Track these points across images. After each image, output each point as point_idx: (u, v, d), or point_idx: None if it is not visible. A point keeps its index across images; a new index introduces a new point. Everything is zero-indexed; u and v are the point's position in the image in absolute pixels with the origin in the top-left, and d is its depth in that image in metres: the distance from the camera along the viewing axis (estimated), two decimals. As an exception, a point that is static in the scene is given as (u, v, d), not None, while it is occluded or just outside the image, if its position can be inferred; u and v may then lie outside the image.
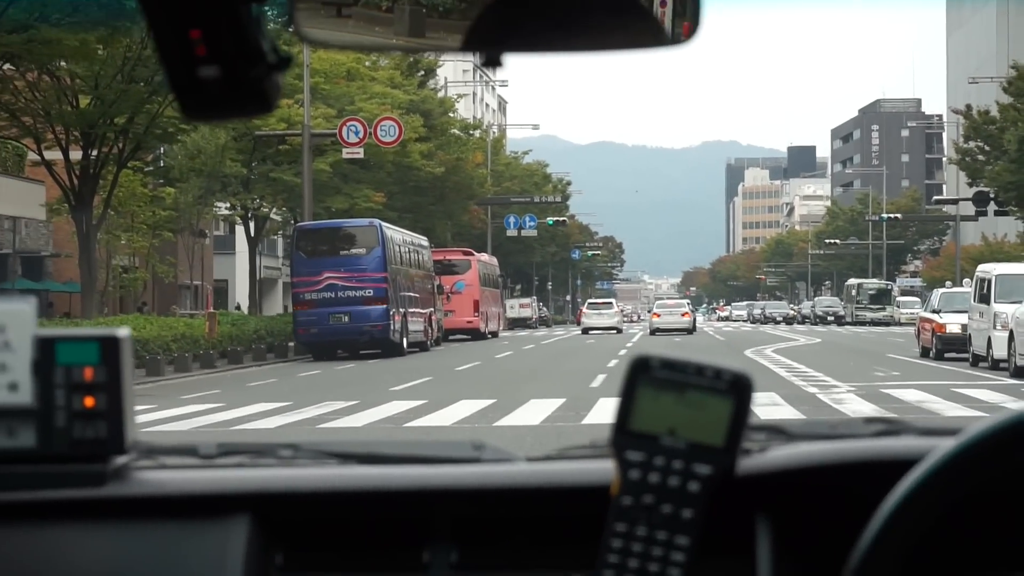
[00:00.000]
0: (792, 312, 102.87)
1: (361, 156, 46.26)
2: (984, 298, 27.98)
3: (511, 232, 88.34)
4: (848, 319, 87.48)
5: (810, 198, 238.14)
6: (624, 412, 1.69)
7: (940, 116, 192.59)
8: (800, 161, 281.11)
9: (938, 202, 79.91)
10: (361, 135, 45.21)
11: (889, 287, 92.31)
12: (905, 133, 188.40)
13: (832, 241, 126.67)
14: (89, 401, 1.80)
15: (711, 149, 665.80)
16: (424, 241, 49.37)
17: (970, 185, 69.88)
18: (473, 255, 61.52)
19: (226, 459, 2.02)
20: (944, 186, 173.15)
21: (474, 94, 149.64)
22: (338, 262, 40.10)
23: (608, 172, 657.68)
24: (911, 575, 1.60)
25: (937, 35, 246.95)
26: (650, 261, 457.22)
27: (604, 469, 1.75)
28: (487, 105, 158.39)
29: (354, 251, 40.45)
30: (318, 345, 40.02)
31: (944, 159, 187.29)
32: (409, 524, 1.90)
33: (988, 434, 1.49)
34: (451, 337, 58.07)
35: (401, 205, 64.80)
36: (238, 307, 66.33)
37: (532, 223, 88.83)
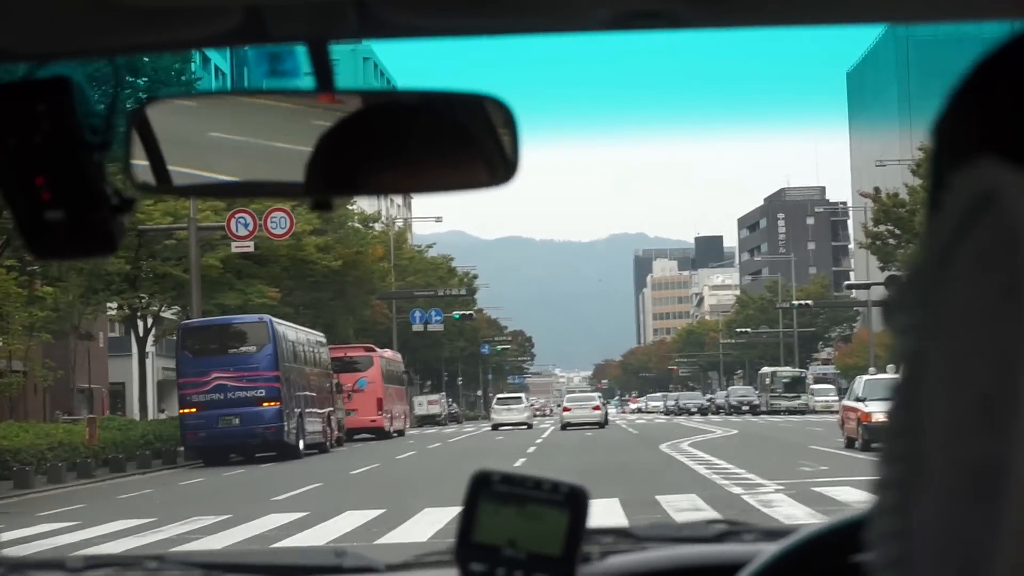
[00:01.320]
0: (706, 403, 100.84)
1: (252, 250, 44.01)
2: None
3: (417, 327, 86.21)
4: (763, 408, 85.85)
5: (719, 288, 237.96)
6: (467, 525, 1.76)
7: (845, 203, 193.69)
8: (707, 251, 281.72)
9: (849, 287, 78.66)
10: (251, 228, 42.97)
11: (803, 375, 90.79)
12: (811, 221, 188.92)
13: (743, 330, 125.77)
14: None
15: (618, 241, 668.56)
16: (320, 337, 47.04)
17: (881, 269, 68.73)
18: (375, 351, 59.26)
19: (93, 572, 2.00)
20: (852, 272, 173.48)
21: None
22: (227, 361, 37.78)
23: (517, 266, 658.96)
24: None
25: (839, 125, 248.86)
26: (561, 354, 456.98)
27: None
28: (391, 200, 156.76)
29: (243, 349, 38.14)
30: (208, 450, 37.63)
31: (851, 246, 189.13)
32: None
33: (813, 537, 1.54)
34: (356, 437, 55.88)
35: (299, 301, 62.55)
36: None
37: (438, 317, 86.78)
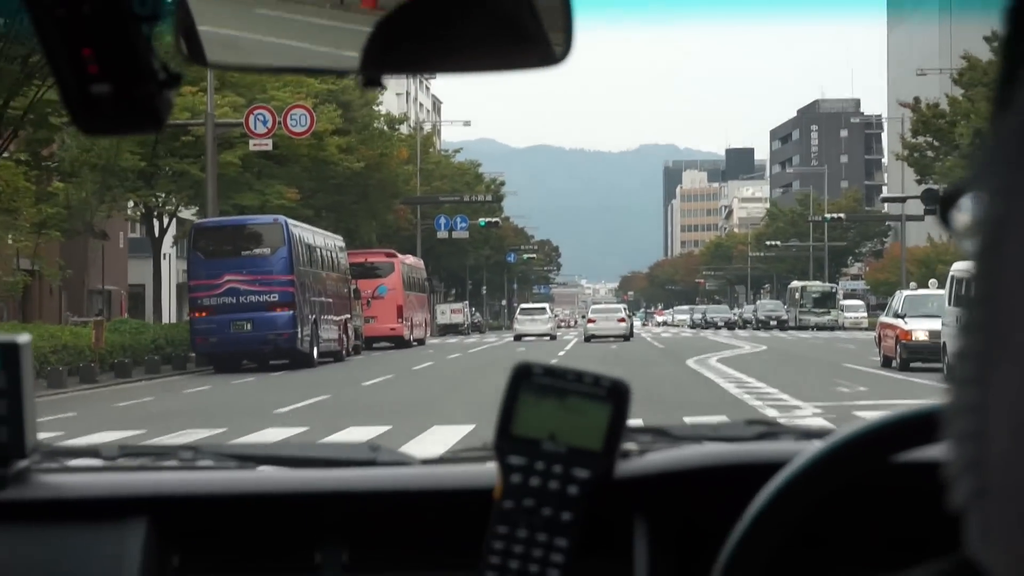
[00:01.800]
0: (733, 317, 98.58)
1: (269, 148, 42.50)
2: (963, 301, 24.45)
3: (442, 234, 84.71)
4: (791, 323, 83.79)
5: (748, 200, 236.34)
6: (506, 417, 1.74)
7: (880, 115, 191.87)
8: (738, 163, 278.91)
9: (884, 200, 76.49)
10: (270, 125, 41.43)
11: (833, 290, 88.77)
12: (844, 134, 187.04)
13: (772, 243, 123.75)
14: None
15: (649, 152, 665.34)
16: (339, 241, 45.55)
17: (918, 182, 66.87)
18: (396, 257, 57.78)
19: (127, 461, 2.05)
20: (884, 187, 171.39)
21: (408, 93, 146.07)
22: (240, 263, 36.39)
23: (545, 176, 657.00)
24: (783, 572, 1.69)
25: (876, 34, 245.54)
26: (588, 265, 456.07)
27: (492, 472, 1.77)
28: (420, 104, 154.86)
29: (257, 251, 36.71)
30: (218, 356, 36.36)
31: (884, 160, 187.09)
32: (303, 526, 1.94)
33: (852, 437, 1.54)
34: (375, 345, 54.57)
35: (321, 204, 61.16)
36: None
37: (464, 224, 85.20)
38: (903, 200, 72.96)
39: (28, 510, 1.90)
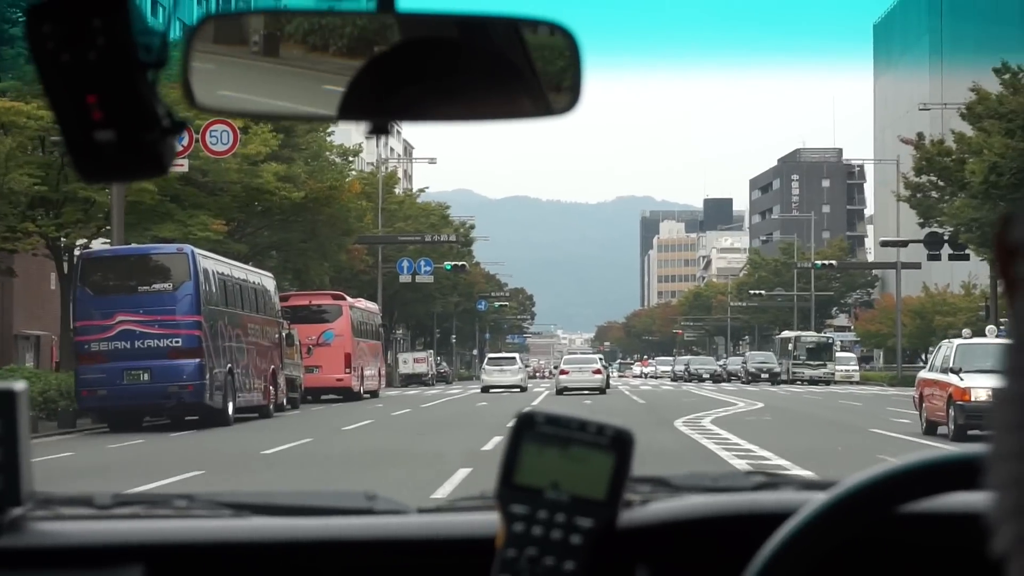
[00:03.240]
0: (718, 369, 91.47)
1: (185, 169, 36.46)
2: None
3: (404, 278, 78.80)
4: (783, 377, 77.71)
5: (727, 251, 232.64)
6: (509, 466, 1.75)
7: (862, 166, 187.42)
8: (717, 214, 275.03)
9: (884, 244, 70.55)
10: (185, 142, 35.36)
11: (830, 340, 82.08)
12: (826, 184, 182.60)
13: (757, 292, 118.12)
14: None
15: (625, 204, 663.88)
16: (267, 278, 39.32)
17: (921, 225, 61.01)
18: (345, 300, 51.62)
19: (121, 509, 2.05)
20: (867, 239, 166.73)
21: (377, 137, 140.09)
22: (136, 301, 30.20)
23: (522, 227, 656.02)
24: None
25: (860, 82, 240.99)
26: (564, 316, 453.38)
27: (492, 521, 1.78)
28: (391, 149, 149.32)
29: (158, 287, 30.51)
30: (109, 412, 30.21)
31: (867, 210, 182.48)
32: (301, 575, 1.93)
33: (859, 488, 1.54)
34: (323, 397, 48.80)
35: (265, 242, 55.15)
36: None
37: (428, 268, 79.31)
38: (903, 244, 67.09)
39: (24, 558, 1.88)
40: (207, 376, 30.16)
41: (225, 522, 2.00)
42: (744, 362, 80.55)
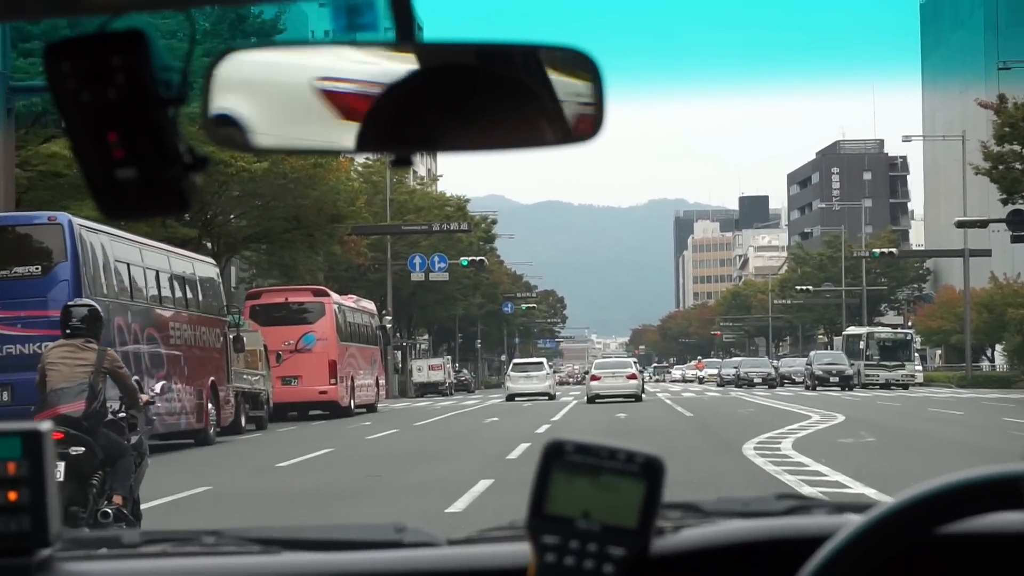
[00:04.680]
0: (771, 372, 77.36)
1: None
2: None
3: (416, 275, 70.63)
4: (856, 381, 66.43)
5: (765, 249, 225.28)
6: (539, 496, 1.73)
7: (904, 157, 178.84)
8: (752, 212, 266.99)
9: (960, 224, 61.78)
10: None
11: (909, 337, 71.72)
12: (868, 176, 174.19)
13: (804, 288, 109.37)
14: (12, 495, 1.81)
15: (658, 207, 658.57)
16: (203, 264, 30.88)
17: (1004, 202, 52.32)
18: (328, 296, 43.20)
19: (150, 547, 2.04)
20: (910, 232, 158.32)
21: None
22: (-7, 291, 22.00)
23: (554, 231, 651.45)
24: None
25: (902, 68, 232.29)
26: (598, 320, 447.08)
27: (523, 552, 1.76)
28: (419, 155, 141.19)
29: (20, 271, 22.24)
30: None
31: (910, 204, 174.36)
32: None
33: (896, 510, 1.54)
34: (310, 413, 41.24)
35: (241, 232, 47.02)
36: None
37: (443, 264, 71.00)
38: (983, 225, 58.27)
39: None
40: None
41: (254, 559, 1.98)
42: (808, 363, 68.99)
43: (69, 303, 11.61)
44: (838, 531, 1.57)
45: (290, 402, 40.68)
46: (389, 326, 72.24)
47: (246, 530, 2.10)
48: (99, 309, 11.24)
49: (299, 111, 1.61)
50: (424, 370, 77.15)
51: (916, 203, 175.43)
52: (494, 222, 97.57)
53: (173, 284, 27.41)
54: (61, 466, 9.77)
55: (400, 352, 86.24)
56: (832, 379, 63.40)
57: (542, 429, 28.94)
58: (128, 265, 24.72)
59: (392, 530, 2.06)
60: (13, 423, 1.86)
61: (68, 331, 10.67)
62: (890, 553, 1.54)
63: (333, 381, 41.20)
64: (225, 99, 1.60)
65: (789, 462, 18.71)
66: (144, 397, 11.26)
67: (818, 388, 63.02)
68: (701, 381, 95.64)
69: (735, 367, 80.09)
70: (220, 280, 31.30)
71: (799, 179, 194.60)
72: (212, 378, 28.57)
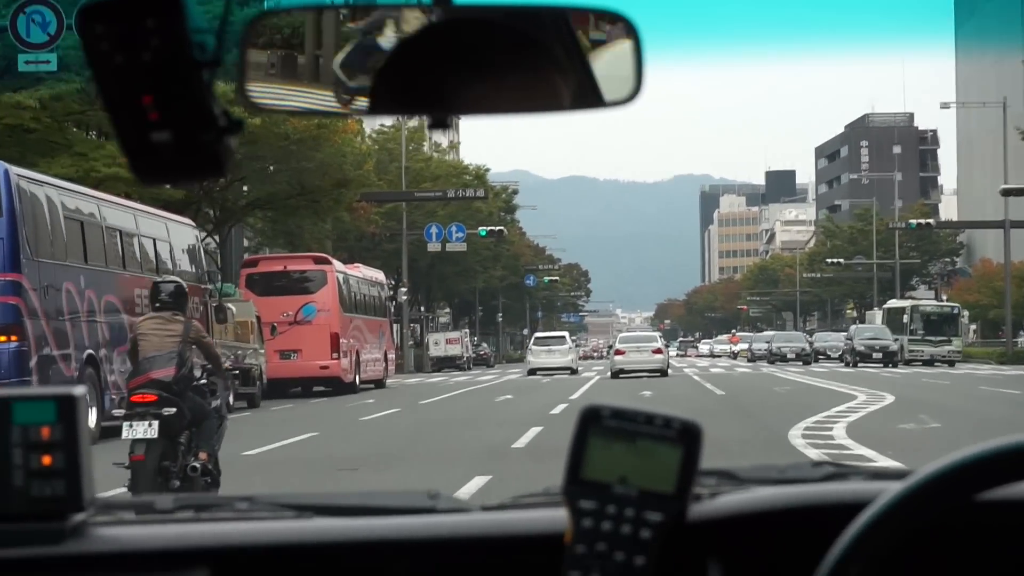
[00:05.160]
0: (807, 347, 71.99)
1: (52, 67, 25.11)
2: None
3: (433, 246, 67.77)
4: (900, 357, 61.99)
5: (792, 223, 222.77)
6: (576, 461, 1.73)
7: (935, 131, 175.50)
8: (779, 186, 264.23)
9: (1006, 192, 58.25)
10: (54, 30, 24.19)
11: (956, 311, 66.97)
12: (897, 150, 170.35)
13: (835, 261, 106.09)
14: (47, 460, 1.82)
15: (684, 182, 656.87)
16: (177, 224, 27.83)
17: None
18: (330, 263, 40.15)
19: (183, 513, 2.05)
20: (939, 206, 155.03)
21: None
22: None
23: (579, 206, 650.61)
24: None
25: (934, 39, 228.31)
26: (623, 295, 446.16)
27: (558, 518, 1.76)
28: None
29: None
30: None
31: (940, 178, 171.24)
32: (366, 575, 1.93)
33: (936, 476, 1.54)
34: (314, 390, 38.62)
35: (249, 199, 44.26)
36: None
37: (461, 234, 68.03)
38: (1028, 192, 54.90)
39: (88, 564, 1.88)
40: (32, 370, 18.95)
41: (288, 523, 1.97)
42: (849, 338, 64.59)
43: (157, 280, 12.11)
44: (877, 497, 1.57)
45: (289, 377, 37.80)
46: (405, 298, 69.54)
47: (279, 496, 2.07)
48: (184, 285, 11.91)
49: (333, 73, 1.60)
50: (441, 344, 74.24)
51: (945, 177, 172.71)
52: (515, 192, 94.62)
53: (141, 246, 24.43)
54: (156, 424, 10.67)
55: (419, 325, 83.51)
56: (875, 355, 59.30)
57: (558, 409, 25.92)
58: (82, 223, 21.72)
59: (426, 497, 2.05)
60: (47, 388, 1.83)
61: (158, 304, 11.44)
62: (929, 519, 1.54)
63: (335, 355, 38.21)
64: (258, 62, 1.59)
65: (850, 455, 15.61)
66: (226, 364, 12.00)
67: (859, 364, 58.97)
68: (735, 356, 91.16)
69: (767, 342, 75.31)
70: (200, 244, 28.34)
71: (827, 152, 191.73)
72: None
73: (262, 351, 33.55)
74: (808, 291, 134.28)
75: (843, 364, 62.22)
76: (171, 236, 26.20)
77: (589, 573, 1.71)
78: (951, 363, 60.96)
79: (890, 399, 28.56)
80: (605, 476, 1.72)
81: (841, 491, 1.90)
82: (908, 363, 60.02)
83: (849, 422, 21.46)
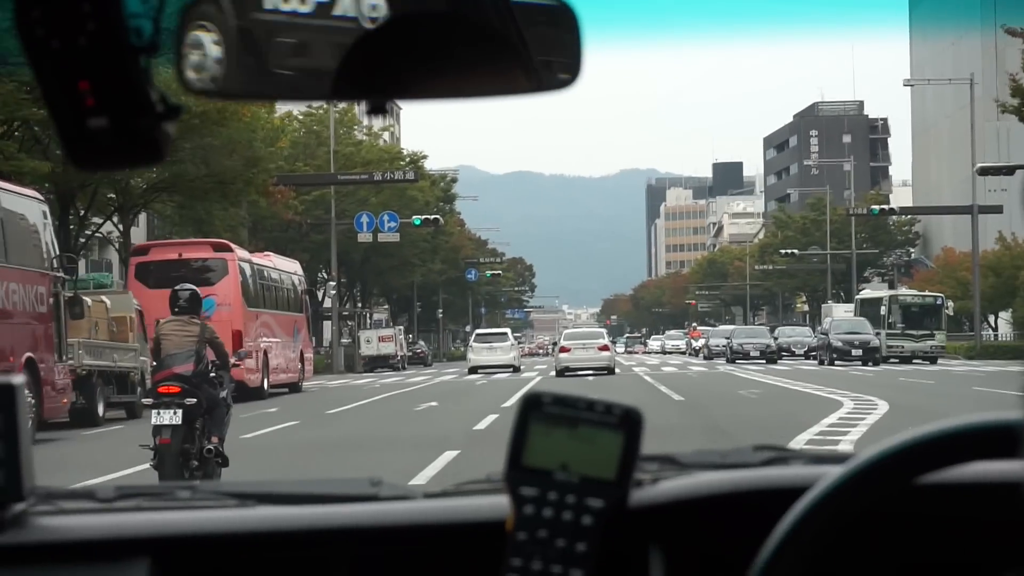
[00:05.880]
0: (771, 344, 64.35)
1: None
2: None
3: (363, 236, 63.20)
4: (879, 353, 55.58)
5: (740, 215, 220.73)
6: (517, 448, 1.73)
7: (885, 119, 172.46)
8: (726, 178, 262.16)
9: (983, 171, 53.71)
10: None
11: (940, 302, 61.05)
12: (847, 139, 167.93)
13: (789, 252, 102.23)
14: None
15: (630, 177, 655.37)
16: (17, 197, 22.69)
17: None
18: (232, 251, 35.24)
19: (125, 502, 2.03)
20: (890, 196, 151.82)
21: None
22: None
23: (525, 202, 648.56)
24: None
25: (880, 28, 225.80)
26: (569, 291, 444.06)
27: (501, 504, 1.77)
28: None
29: None
30: None
31: (891, 167, 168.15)
32: (307, 564, 1.93)
33: (875, 460, 1.55)
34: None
35: (154, 181, 39.56)
36: None
37: (393, 223, 63.41)
38: (1010, 171, 50.61)
39: (27, 554, 1.87)
40: None
41: (230, 512, 1.97)
42: (823, 332, 58.12)
43: (176, 288, 13.28)
44: (817, 481, 1.56)
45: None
46: (333, 292, 64.85)
47: (220, 484, 2.05)
48: (198, 292, 13.38)
49: (270, 58, 1.57)
50: (373, 342, 69.45)
51: (895, 169, 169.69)
52: (454, 180, 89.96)
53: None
54: (180, 412, 12.20)
55: (352, 322, 79.01)
56: (855, 352, 53.81)
57: (484, 424, 21.27)
58: None
59: (368, 484, 2.03)
60: None
61: (176, 309, 12.83)
62: (870, 503, 1.55)
63: (239, 357, 33.35)
64: (196, 47, 1.55)
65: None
66: (233, 360, 13.79)
67: (835, 362, 53.34)
68: (697, 352, 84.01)
69: (726, 337, 68.18)
70: (48, 220, 23.37)
71: (776, 143, 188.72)
72: (28, 354, 20.76)
73: (144, 351, 28.74)
74: (758, 284, 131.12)
75: (816, 362, 56.78)
76: (5, 210, 21.27)
77: (531, 559, 1.70)
78: (934, 359, 56.11)
79: (883, 406, 23.78)
80: (546, 463, 1.71)
81: (782, 475, 1.90)
82: (886, 359, 54.75)
83: (849, 439, 16.80)
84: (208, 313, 33.15)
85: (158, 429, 12.19)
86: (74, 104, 1.42)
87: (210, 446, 12.47)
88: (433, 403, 29.84)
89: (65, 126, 1.43)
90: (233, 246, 35.74)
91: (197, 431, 12.45)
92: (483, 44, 1.57)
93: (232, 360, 13.61)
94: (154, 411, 12.31)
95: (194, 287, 13.27)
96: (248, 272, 35.61)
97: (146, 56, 1.43)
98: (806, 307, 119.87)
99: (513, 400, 28.51)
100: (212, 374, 12.78)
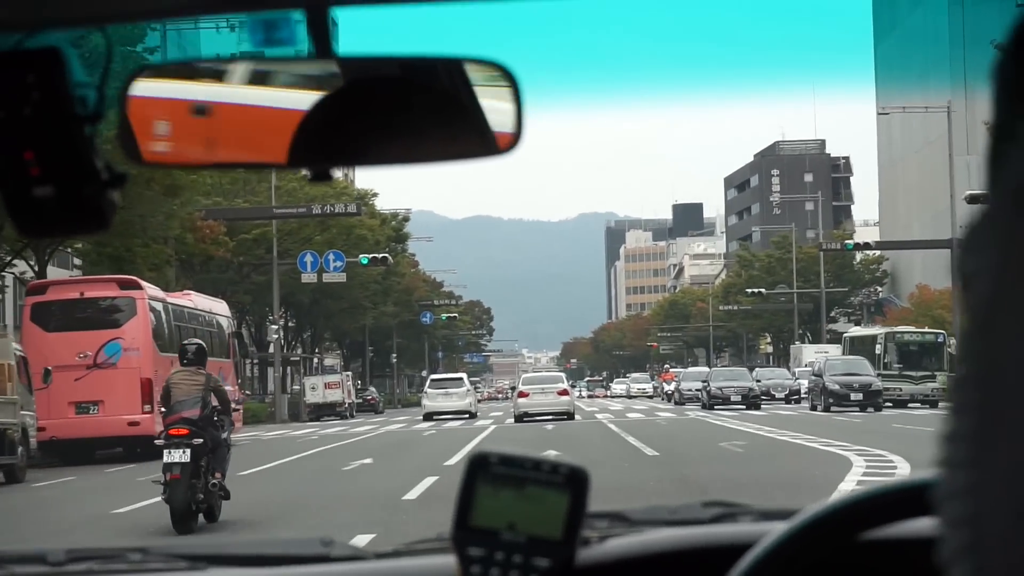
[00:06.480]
0: (754, 387, 56.55)
1: None
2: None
3: (307, 276, 59.55)
4: (881, 397, 49.72)
5: (701, 256, 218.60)
6: (464, 508, 1.75)
7: (847, 158, 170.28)
8: (686, 220, 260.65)
9: (972, 199, 50.42)
10: None
11: (941, 339, 55.34)
12: (809, 178, 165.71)
13: (756, 291, 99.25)
14: None
15: (589, 220, 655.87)
16: None
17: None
18: (140, 289, 31.17)
19: (75, 565, 2.01)
20: (854, 235, 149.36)
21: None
22: None
23: (484, 246, 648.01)
24: None
25: (846, 63, 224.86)
26: (528, 335, 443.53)
27: (450, 564, 1.76)
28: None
29: None
30: None
31: (854, 206, 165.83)
32: None
33: (820, 517, 1.56)
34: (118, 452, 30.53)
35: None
36: None
37: (339, 263, 59.69)
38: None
39: None
40: None
41: (181, 575, 1.96)
42: (817, 374, 51.20)
43: (184, 342, 16.05)
44: (762, 538, 1.57)
45: (88, 437, 28.98)
46: (277, 336, 60.98)
47: (172, 546, 2.03)
48: (204, 345, 15.53)
49: (218, 127, 1.58)
50: (319, 389, 65.52)
51: (857, 208, 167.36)
52: (406, 219, 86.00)
53: None
54: (188, 451, 13.94)
55: (300, 368, 75.28)
56: (854, 396, 47.87)
57: (420, 489, 17.26)
58: None
59: (319, 544, 2.02)
60: None
61: (185, 361, 14.90)
62: (813, 559, 1.55)
63: (148, 408, 29.19)
64: (141, 116, 1.56)
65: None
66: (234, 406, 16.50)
67: (832, 408, 47.79)
68: (669, 398, 76.71)
69: (703, 380, 61.03)
70: None
71: (737, 183, 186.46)
72: None
73: (28, 407, 24.79)
74: (722, 325, 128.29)
75: (797, 406, 51.67)
76: None
77: None
78: (935, 403, 50.50)
79: (901, 464, 19.86)
80: (493, 523, 1.71)
81: (730, 532, 1.91)
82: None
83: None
84: (113, 360, 29.53)
85: (169, 466, 13.92)
86: (19, 174, 1.41)
87: (214, 481, 14.33)
88: (367, 460, 25.79)
89: (11, 195, 1.42)
90: (142, 283, 31.64)
91: (203, 468, 14.24)
92: (433, 110, 1.55)
93: (233, 406, 15.59)
94: (166, 450, 14.06)
95: (200, 341, 14.75)
96: (161, 312, 31.61)
97: (91, 125, 1.43)
98: (770, 348, 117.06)
99: (459, 457, 24.58)
100: (215, 418, 14.65)
